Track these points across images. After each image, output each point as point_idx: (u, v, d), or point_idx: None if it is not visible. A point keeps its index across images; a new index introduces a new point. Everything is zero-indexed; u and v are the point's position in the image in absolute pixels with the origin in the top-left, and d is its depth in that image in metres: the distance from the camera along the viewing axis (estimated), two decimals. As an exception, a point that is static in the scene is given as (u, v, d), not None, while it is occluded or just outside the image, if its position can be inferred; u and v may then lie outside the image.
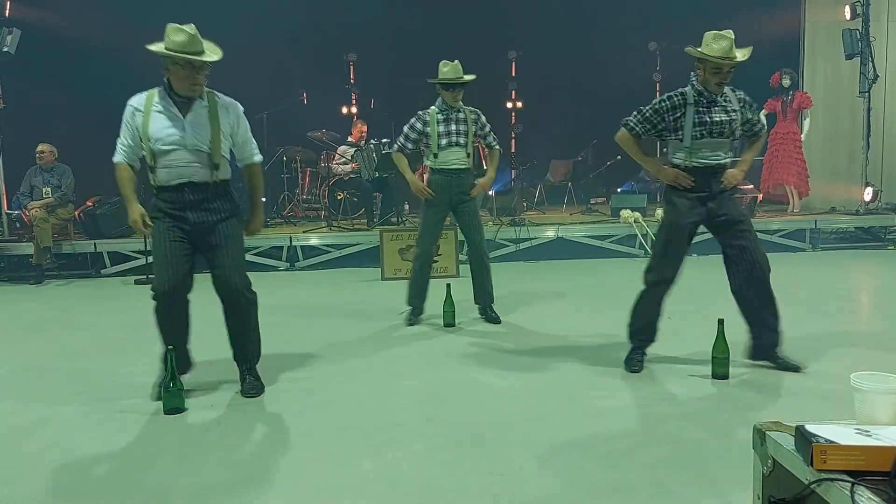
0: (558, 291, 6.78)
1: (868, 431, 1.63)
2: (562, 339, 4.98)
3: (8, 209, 8.81)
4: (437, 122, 5.29)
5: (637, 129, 4.10)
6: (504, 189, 11.13)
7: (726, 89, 4.09)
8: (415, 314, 5.55)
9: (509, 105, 12.26)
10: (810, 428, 1.64)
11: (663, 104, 4.03)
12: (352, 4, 11.00)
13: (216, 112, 3.85)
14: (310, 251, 8.57)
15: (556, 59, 11.30)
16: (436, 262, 7.73)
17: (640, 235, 8.56)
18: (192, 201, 3.87)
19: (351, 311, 5.98)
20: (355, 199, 9.95)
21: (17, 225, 8.63)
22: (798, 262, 8.19)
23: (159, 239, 3.90)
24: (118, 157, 3.99)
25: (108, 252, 8.39)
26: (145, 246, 7.96)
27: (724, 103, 4.05)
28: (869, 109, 9.59)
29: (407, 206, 10.51)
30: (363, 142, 9.65)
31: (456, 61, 5.29)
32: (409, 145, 5.44)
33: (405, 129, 5.45)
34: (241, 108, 4.02)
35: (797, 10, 10.59)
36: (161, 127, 3.77)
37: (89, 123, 10.65)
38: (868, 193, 9.57)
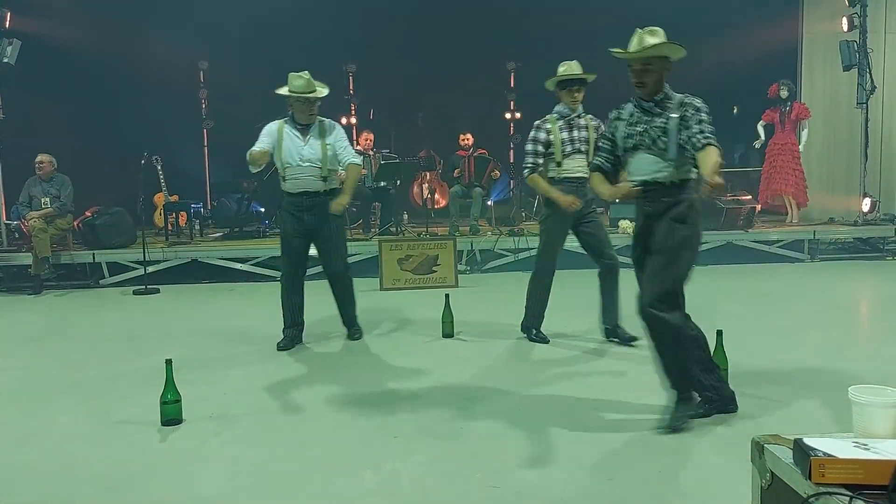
0: (557, 302, 6.74)
1: (866, 445, 1.63)
2: (560, 350, 4.97)
3: (7, 219, 8.81)
4: (560, 130, 4.96)
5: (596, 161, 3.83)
6: (503, 199, 11.14)
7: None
8: (539, 336, 5.25)
9: (508, 116, 12.28)
10: (808, 441, 1.64)
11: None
12: (352, 16, 11.03)
13: (324, 132, 5.00)
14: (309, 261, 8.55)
15: (555, 70, 11.31)
16: (434, 271, 7.78)
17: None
18: (308, 206, 5.02)
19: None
20: (354, 209, 9.95)
21: (16, 235, 8.62)
22: (796, 273, 8.19)
23: (285, 234, 5.19)
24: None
25: (106, 262, 8.38)
26: (144, 257, 7.96)
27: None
28: (867, 120, 9.61)
29: (406, 216, 10.51)
30: (371, 150, 9.66)
31: (574, 61, 5.08)
32: (540, 160, 4.98)
33: (529, 146, 5.01)
34: (337, 125, 5.14)
35: (795, 21, 10.63)
36: (288, 148, 4.94)
37: (89, 134, 10.70)
38: (866, 204, 9.59)
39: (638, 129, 3.56)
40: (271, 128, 5.02)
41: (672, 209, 3.51)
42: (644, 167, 3.53)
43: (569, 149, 4.94)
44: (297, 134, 4.98)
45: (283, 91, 4.94)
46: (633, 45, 3.53)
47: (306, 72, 4.93)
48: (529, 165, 4.97)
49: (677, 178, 3.52)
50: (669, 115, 3.48)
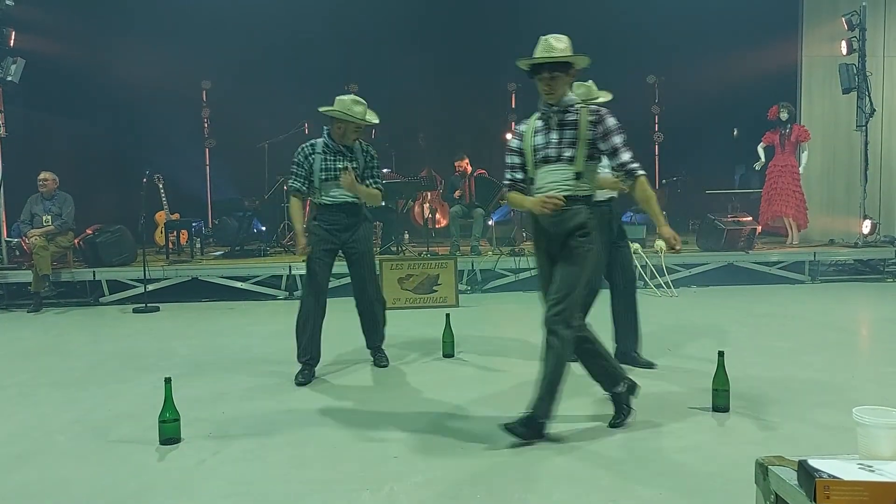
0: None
1: (871, 467, 1.62)
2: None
3: (7, 237, 8.82)
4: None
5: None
6: (503, 219, 11.15)
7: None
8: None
9: (509, 136, 12.33)
10: (813, 463, 1.63)
11: None
12: (353, 36, 11.13)
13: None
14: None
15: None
16: (435, 291, 7.77)
17: (639, 266, 8.56)
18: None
19: (348, 340, 5.94)
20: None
21: (17, 252, 8.62)
22: (797, 294, 8.18)
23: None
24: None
25: (107, 280, 8.37)
26: (144, 275, 7.95)
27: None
28: (866, 143, 9.65)
29: (407, 236, 10.51)
30: None
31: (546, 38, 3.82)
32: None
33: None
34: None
35: (794, 44, 10.71)
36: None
37: (91, 152, 10.75)
38: (866, 226, 9.60)
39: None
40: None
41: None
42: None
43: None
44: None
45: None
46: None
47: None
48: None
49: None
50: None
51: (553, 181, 3.53)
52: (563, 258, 3.55)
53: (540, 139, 3.58)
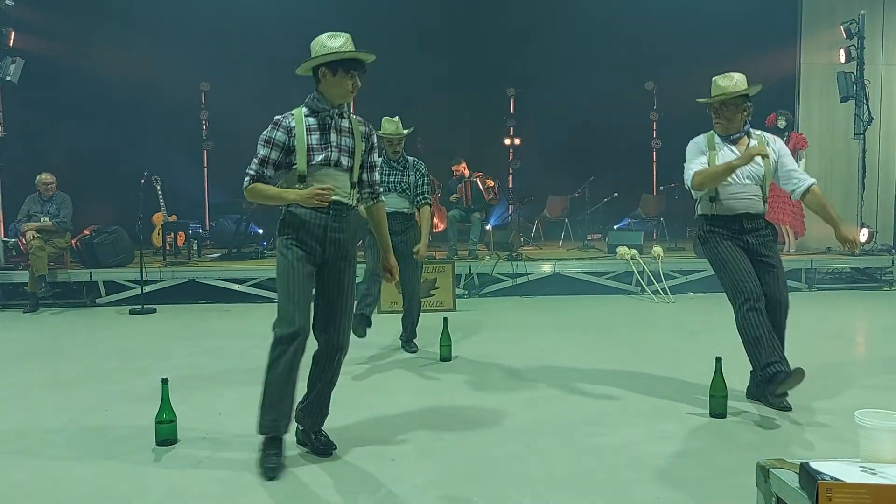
0: (555, 327, 6.75)
1: (873, 469, 1.61)
2: (558, 374, 4.94)
3: (5, 237, 8.80)
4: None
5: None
6: (501, 224, 11.16)
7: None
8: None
9: (507, 141, 12.36)
10: (815, 465, 1.62)
11: None
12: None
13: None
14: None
15: (554, 96, 11.43)
16: (432, 295, 7.75)
17: (636, 273, 8.56)
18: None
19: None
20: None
21: (14, 252, 8.60)
22: (794, 302, 8.11)
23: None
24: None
25: (103, 281, 8.35)
26: (141, 275, 7.93)
27: None
28: (864, 151, 9.68)
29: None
30: None
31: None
32: None
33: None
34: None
35: (793, 52, 10.75)
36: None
37: (88, 153, 10.73)
38: (864, 234, 9.61)
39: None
40: None
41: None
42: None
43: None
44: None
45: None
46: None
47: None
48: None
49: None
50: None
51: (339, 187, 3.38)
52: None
53: (314, 138, 3.42)
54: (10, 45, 8.81)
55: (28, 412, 4.22)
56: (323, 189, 3.21)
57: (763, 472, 1.80)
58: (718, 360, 3.92)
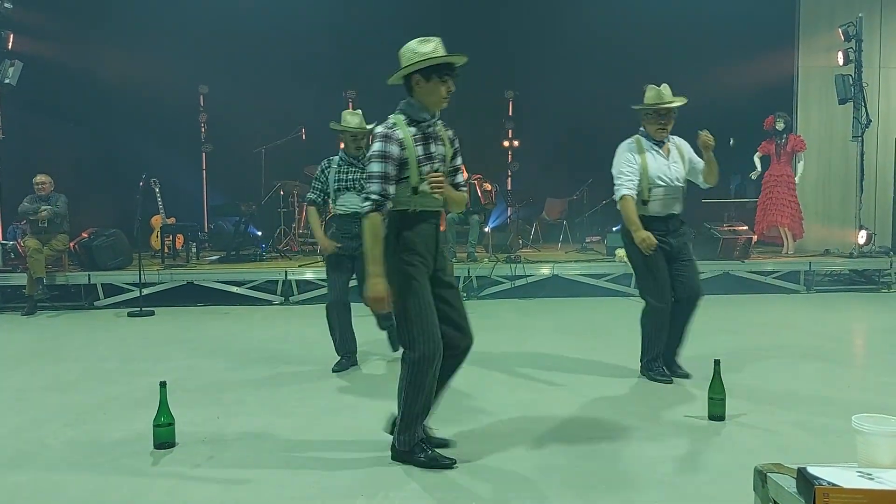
0: (553, 329, 6.75)
1: (871, 475, 1.61)
2: (555, 377, 4.94)
3: (3, 239, 8.79)
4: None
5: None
6: (500, 226, 11.16)
7: None
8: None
9: (506, 144, 12.35)
10: (812, 470, 1.62)
11: None
12: (351, 42, 11.14)
13: None
14: (305, 286, 8.55)
15: (553, 99, 11.42)
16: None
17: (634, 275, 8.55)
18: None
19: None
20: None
21: (12, 255, 8.59)
22: (792, 304, 8.20)
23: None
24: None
25: (101, 284, 8.35)
26: (140, 278, 7.93)
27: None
28: (862, 154, 9.69)
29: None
30: None
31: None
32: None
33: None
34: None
35: (791, 55, 10.76)
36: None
37: (87, 156, 10.74)
38: (862, 236, 9.62)
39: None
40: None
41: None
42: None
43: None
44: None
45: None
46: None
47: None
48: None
49: None
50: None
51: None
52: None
53: (421, 150, 3.33)
54: (9, 47, 8.82)
55: (26, 415, 4.22)
56: (436, 177, 3.22)
57: (760, 477, 1.80)
58: (717, 362, 3.92)
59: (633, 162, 4.60)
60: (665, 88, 4.62)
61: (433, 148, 3.33)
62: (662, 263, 4.62)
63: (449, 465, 3.29)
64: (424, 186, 3.24)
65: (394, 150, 3.20)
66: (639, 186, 4.58)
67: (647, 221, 4.57)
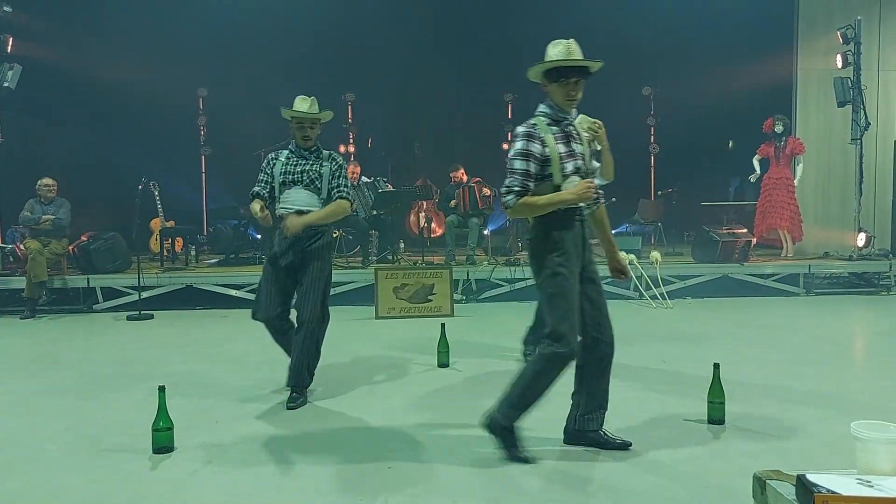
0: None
1: (870, 482, 1.61)
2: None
3: (3, 243, 8.79)
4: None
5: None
6: (499, 229, 11.16)
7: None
8: None
9: (505, 147, 12.36)
10: (811, 477, 1.62)
11: None
12: (350, 45, 11.15)
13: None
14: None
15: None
16: (430, 300, 7.76)
17: (634, 278, 8.56)
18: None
19: (343, 349, 5.93)
20: (351, 237, 9.97)
21: (11, 259, 8.58)
22: (792, 307, 8.19)
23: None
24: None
25: (101, 287, 8.34)
26: (139, 281, 7.92)
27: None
28: (861, 156, 9.70)
29: (402, 245, 10.51)
30: (356, 181, 9.70)
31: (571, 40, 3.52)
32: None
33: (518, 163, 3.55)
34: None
35: (790, 58, 10.77)
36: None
37: (86, 159, 10.73)
38: (861, 239, 9.63)
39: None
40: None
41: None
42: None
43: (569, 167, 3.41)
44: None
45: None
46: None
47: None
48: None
49: None
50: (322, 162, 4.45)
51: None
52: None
53: (563, 148, 3.36)
54: (9, 51, 8.82)
55: (24, 419, 4.21)
56: (590, 187, 3.29)
57: (760, 484, 1.79)
58: (716, 366, 3.92)
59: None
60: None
61: (573, 146, 3.40)
62: None
63: (529, 459, 3.36)
64: (567, 185, 3.31)
65: (536, 147, 3.30)
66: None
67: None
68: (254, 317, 4.56)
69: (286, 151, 4.63)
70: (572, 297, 3.32)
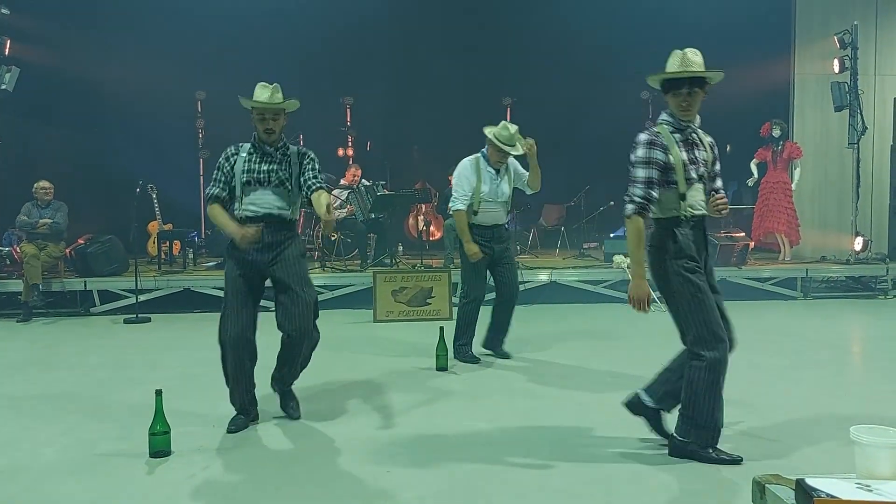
0: (551, 335, 6.74)
1: (869, 486, 1.60)
2: (554, 383, 4.93)
3: (-1, 246, 8.77)
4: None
5: None
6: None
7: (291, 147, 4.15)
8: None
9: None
10: (811, 482, 1.62)
11: None
12: (349, 48, 11.15)
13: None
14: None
15: (550, 105, 11.43)
16: (428, 304, 7.75)
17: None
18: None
19: (341, 353, 5.92)
20: (349, 241, 9.96)
21: (7, 262, 8.56)
22: (789, 311, 8.20)
23: None
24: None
25: (98, 290, 8.32)
26: (136, 284, 7.90)
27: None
28: (858, 160, 9.71)
29: (401, 248, 10.51)
30: (357, 184, 9.70)
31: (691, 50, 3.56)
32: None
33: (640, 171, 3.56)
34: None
35: (787, 62, 10.80)
36: None
37: (84, 162, 10.71)
38: (858, 243, 9.64)
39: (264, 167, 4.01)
40: None
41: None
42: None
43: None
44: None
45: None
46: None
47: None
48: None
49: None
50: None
51: (702, 200, 3.44)
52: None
53: (686, 155, 3.39)
54: (6, 53, 8.81)
55: (19, 423, 4.20)
56: (721, 200, 3.38)
57: (759, 488, 1.79)
58: (714, 370, 3.90)
59: (467, 186, 5.52)
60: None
61: (696, 153, 3.42)
62: (485, 269, 5.57)
63: (736, 460, 3.34)
64: (691, 192, 3.34)
65: (658, 155, 3.32)
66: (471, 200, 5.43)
67: (475, 229, 5.46)
68: (223, 337, 4.06)
69: (247, 145, 4.14)
70: (710, 299, 3.34)
